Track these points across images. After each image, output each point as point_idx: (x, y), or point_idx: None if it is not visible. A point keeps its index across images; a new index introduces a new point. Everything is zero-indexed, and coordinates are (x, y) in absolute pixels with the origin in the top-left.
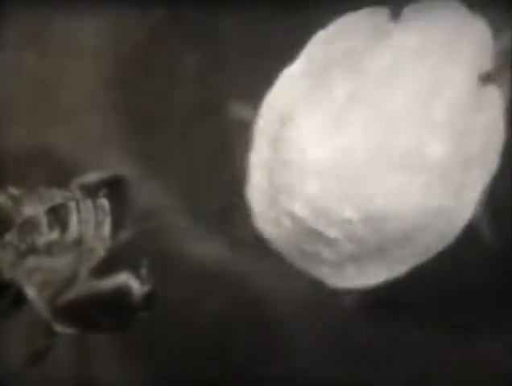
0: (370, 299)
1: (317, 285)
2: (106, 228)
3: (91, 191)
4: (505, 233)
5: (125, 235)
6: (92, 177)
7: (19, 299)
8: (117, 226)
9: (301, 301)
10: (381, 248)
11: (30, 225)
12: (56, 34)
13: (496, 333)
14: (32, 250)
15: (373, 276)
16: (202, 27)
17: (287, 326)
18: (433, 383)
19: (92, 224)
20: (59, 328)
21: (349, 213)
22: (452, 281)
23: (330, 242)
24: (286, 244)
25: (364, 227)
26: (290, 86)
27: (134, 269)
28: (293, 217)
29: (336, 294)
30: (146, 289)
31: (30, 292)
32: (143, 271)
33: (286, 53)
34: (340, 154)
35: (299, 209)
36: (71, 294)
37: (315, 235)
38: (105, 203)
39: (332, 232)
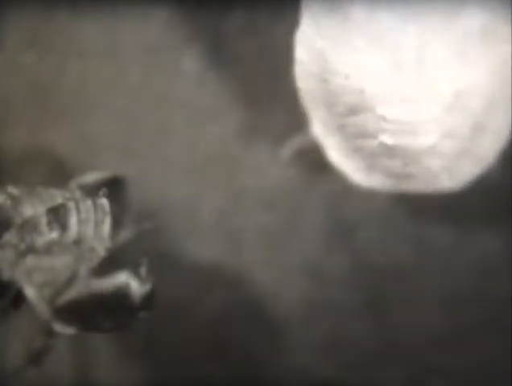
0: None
1: None
2: (106, 228)
3: (90, 191)
4: None
5: (124, 235)
6: (91, 177)
7: (19, 299)
8: (116, 226)
9: (301, 299)
10: (478, 128)
11: (30, 225)
12: (56, 35)
13: None
14: (32, 250)
15: (487, 155)
16: (203, 28)
17: (287, 325)
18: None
19: (91, 224)
20: (58, 328)
21: (433, 111)
22: None
23: (432, 150)
24: (390, 180)
25: (452, 116)
26: (312, 44)
27: (134, 269)
28: (386, 151)
29: None
30: (145, 288)
31: (30, 292)
32: (143, 270)
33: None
34: (394, 70)
35: (388, 139)
36: (70, 294)
37: (415, 153)
38: (104, 202)
39: (429, 139)
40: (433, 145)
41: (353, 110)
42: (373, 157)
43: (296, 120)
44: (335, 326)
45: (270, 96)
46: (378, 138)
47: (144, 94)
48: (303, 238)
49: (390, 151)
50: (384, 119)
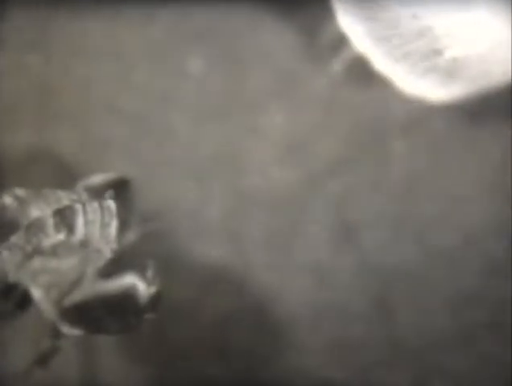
0: None
1: None
2: (112, 230)
3: (97, 193)
4: None
5: (131, 236)
6: (98, 179)
7: (25, 300)
8: (123, 227)
9: (307, 300)
10: None
11: (37, 227)
12: (59, 35)
13: None
14: (38, 252)
15: None
16: (207, 28)
17: (292, 327)
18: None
19: (98, 226)
20: (65, 329)
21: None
22: None
23: (498, 45)
24: (468, 86)
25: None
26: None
27: (140, 271)
28: (456, 63)
29: None
30: (152, 290)
31: (37, 293)
32: (149, 272)
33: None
34: None
35: (455, 52)
36: (77, 296)
37: (481, 56)
38: (111, 204)
39: (491, 37)
40: (500, 40)
41: (411, 37)
42: (447, 71)
43: (297, 121)
44: (340, 327)
45: (273, 95)
46: (445, 55)
47: (149, 95)
48: (308, 239)
49: (459, 62)
50: (445, 35)
